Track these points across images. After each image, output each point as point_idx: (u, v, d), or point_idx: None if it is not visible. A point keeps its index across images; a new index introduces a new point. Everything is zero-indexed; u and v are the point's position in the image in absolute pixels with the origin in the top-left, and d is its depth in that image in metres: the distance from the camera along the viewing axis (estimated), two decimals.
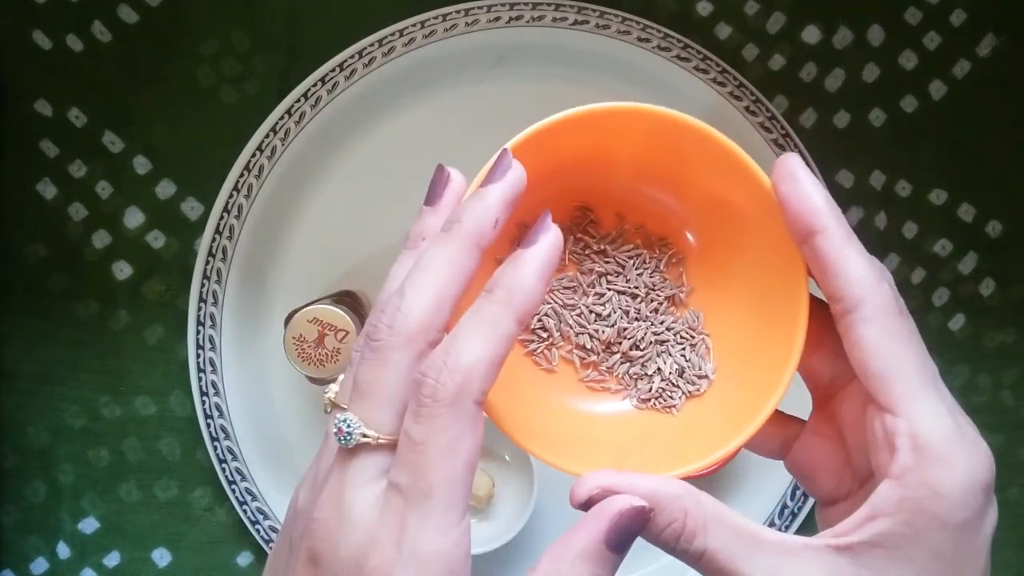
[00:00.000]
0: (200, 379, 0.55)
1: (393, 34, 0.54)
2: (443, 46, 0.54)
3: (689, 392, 0.35)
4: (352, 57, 0.54)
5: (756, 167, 0.32)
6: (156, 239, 0.57)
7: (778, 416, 0.35)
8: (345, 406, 0.29)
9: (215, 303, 0.55)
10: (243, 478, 0.56)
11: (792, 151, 0.54)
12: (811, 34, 0.56)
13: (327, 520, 0.28)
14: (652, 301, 0.36)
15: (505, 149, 0.31)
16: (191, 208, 0.57)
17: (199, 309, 0.55)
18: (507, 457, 0.57)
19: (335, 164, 0.56)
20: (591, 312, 0.36)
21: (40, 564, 0.57)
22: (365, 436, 0.28)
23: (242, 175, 0.55)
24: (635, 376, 0.36)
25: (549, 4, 0.54)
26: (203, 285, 0.55)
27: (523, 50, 0.55)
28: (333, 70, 0.54)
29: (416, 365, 0.28)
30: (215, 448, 0.56)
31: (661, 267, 0.36)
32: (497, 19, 0.54)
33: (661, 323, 0.36)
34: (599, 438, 0.35)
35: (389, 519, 0.27)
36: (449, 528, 0.27)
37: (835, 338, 0.31)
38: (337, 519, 0.28)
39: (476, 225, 0.30)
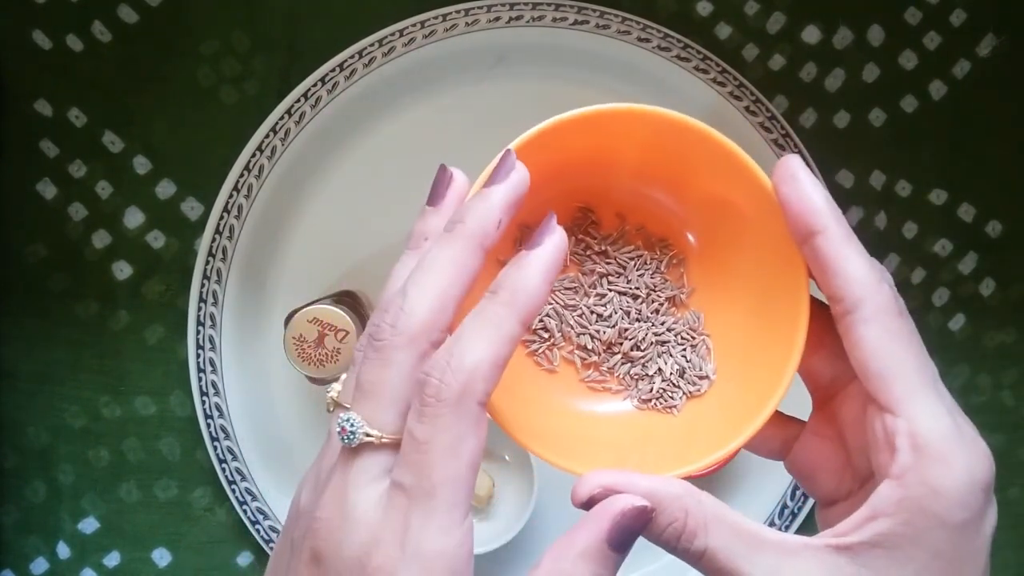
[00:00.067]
0: (200, 379, 0.56)
1: (393, 34, 0.54)
2: (443, 46, 0.54)
3: (690, 392, 0.35)
4: (352, 57, 0.54)
5: (757, 168, 0.32)
6: (156, 239, 0.57)
7: (778, 417, 0.35)
8: (348, 405, 0.29)
9: (215, 303, 0.55)
10: (243, 478, 0.56)
11: (792, 151, 0.54)
12: (811, 34, 0.56)
13: (330, 519, 0.28)
14: (653, 302, 0.36)
15: (509, 150, 0.31)
16: (191, 208, 0.57)
17: (199, 309, 0.55)
18: (507, 457, 0.57)
19: (335, 164, 0.56)
20: (592, 313, 0.36)
21: (40, 564, 0.57)
22: (368, 435, 0.28)
23: (242, 175, 0.55)
24: (636, 376, 0.36)
25: (549, 4, 0.54)
26: (203, 285, 0.55)
27: (523, 50, 0.55)
28: (333, 70, 0.54)
29: (419, 365, 0.28)
30: (215, 448, 0.56)
31: (662, 268, 0.36)
32: (497, 19, 0.54)
33: (662, 324, 0.36)
34: (600, 438, 0.35)
35: (392, 518, 0.27)
36: (452, 527, 0.27)
37: (835, 339, 0.31)
38: (340, 518, 0.28)
39: (480, 225, 0.30)
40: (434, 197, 0.32)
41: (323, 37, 0.55)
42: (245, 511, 0.56)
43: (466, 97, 0.55)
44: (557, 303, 0.36)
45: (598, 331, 0.36)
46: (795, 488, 0.56)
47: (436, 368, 0.28)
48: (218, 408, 0.56)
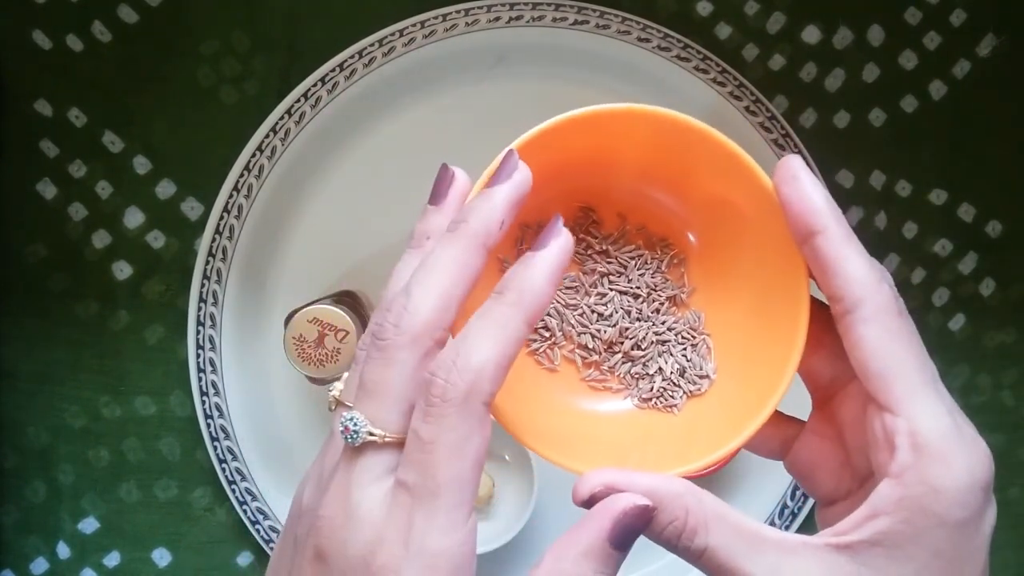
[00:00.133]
0: (200, 379, 0.56)
1: (393, 34, 0.54)
2: (443, 46, 0.54)
3: (690, 392, 0.35)
4: (352, 57, 0.54)
5: (757, 168, 0.32)
6: (156, 239, 0.57)
7: (778, 417, 0.35)
8: (351, 404, 0.29)
9: (215, 303, 0.55)
10: (243, 478, 0.56)
11: (792, 151, 0.54)
12: (811, 34, 0.56)
13: (334, 518, 0.28)
14: (654, 301, 0.36)
15: (511, 150, 0.31)
16: (191, 208, 0.57)
17: (199, 309, 0.55)
18: (507, 457, 0.57)
19: (335, 164, 0.56)
20: (593, 312, 0.36)
21: (40, 564, 0.57)
22: (371, 435, 0.28)
23: (242, 175, 0.55)
24: (636, 376, 0.36)
25: (549, 4, 0.54)
26: (203, 285, 0.55)
27: (523, 50, 0.55)
28: (333, 70, 0.54)
29: (422, 364, 0.28)
30: (215, 448, 0.56)
31: (663, 268, 0.36)
32: (497, 19, 0.54)
33: (662, 323, 0.36)
34: (601, 437, 0.35)
35: (396, 517, 0.27)
36: (456, 527, 0.27)
37: (835, 338, 0.31)
38: (344, 517, 0.28)
39: (483, 225, 0.30)
40: (436, 196, 0.32)
41: (323, 37, 0.55)
42: (245, 511, 0.56)
43: (466, 97, 0.55)
44: (558, 302, 0.36)
45: (599, 330, 0.36)
46: (795, 488, 0.56)
47: (442, 368, 0.28)
48: (218, 408, 0.56)
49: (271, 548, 0.57)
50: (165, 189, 0.56)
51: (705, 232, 0.36)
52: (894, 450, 0.29)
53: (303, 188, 0.56)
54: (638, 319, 0.36)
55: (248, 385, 0.56)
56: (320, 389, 0.55)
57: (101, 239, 0.57)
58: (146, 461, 0.57)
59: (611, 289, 0.36)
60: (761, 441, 0.34)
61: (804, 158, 0.52)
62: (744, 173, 0.32)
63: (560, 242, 0.30)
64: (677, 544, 0.29)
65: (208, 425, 0.56)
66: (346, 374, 0.31)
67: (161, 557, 0.58)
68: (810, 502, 0.56)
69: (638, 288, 0.36)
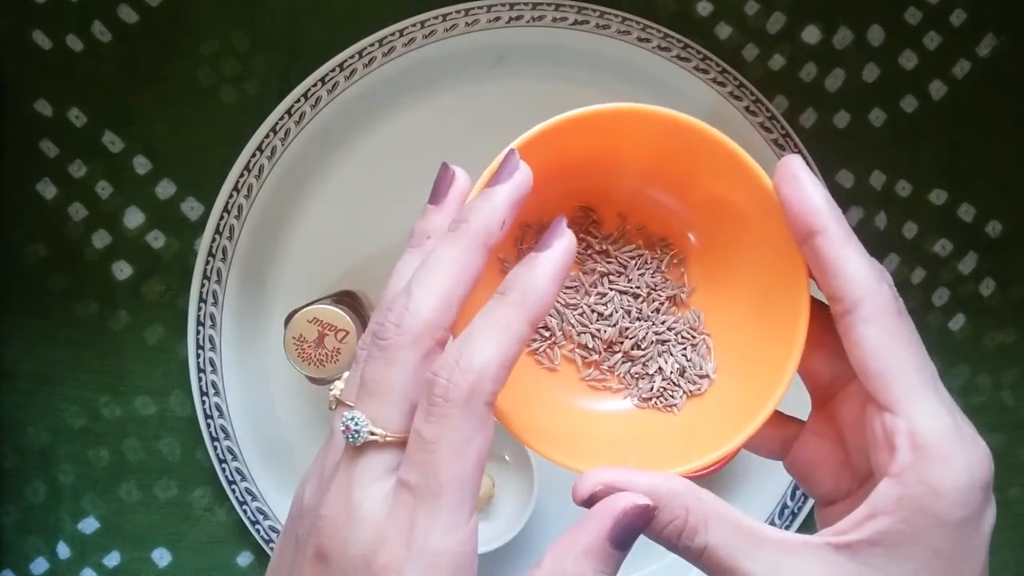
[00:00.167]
0: (200, 379, 0.56)
1: (393, 34, 0.54)
2: (443, 46, 0.54)
3: (690, 391, 0.35)
4: (352, 57, 0.54)
5: (757, 168, 0.32)
6: (156, 239, 0.57)
7: (778, 416, 0.35)
8: (352, 404, 0.29)
9: (215, 303, 0.55)
10: (243, 478, 0.56)
11: (792, 151, 0.54)
12: (811, 34, 0.56)
13: (335, 517, 0.28)
14: (653, 301, 0.36)
15: (512, 150, 0.31)
16: (191, 208, 0.57)
17: (199, 309, 0.55)
18: (507, 457, 0.57)
19: (335, 164, 0.56)
20: (593, 312, 0.36)
21: (40, 564, 0.57)
22: (373, 434, 0.28)
23: (242, 175, 0.55)
24: (636, 375, 0.36)
25: (549, 4, 0.54)
26: (203, 285, 0.55)
27: (523, 50, 0.55)
28: (333, 70, 0.54)
29: (423, 364, 0.28)
30: (215, 448, 0.56)
31: (662, 267, 0.36)
32: (497, 19, 0.54)
33: (662, 323, 0.36)
34: (601, 436, 0.35)
35: (398, 516, 0.27)
36: (458, 527, 0.27)
37: (835, 338, 0.31)
38: (345, 516, 0.28)
39: (484, 225, 0.30)
40: (436, 195, 0.32)
41: (323, 37, 0.55)
42: (245, 511, 0.56)
43: (466, 97, 0.55)
44: (558, 302, 0.36)
45: (599, 330, 0.36)
46: (795, 488, 0.56)
47: (445, 368, 0.28)
48: (218, 408, 0.56)
49: (271, 548, 0.57)
50: (165, 189, 0.57)
51: (705, 232, 0.36)
52: (894, 450, 0.29)
53: (303, 188, 0.56)
54: (638, 319, 0.36)
55: (248, 385, 0.56)
56: (320, 389, 0.55)
57: (101, 239, 0.57)
58: (146, 461, 0.57)
59: (611, 289, 0.36)
60: (761, 441, 0.34)
61: (804, 158, 0.52)
62: (744, 173, 0.32)
63: (564, 243, 0.30)
64: (677, 543, 0.29)
65: (208, 425, 0.56)
66: (346, 374, 0.31)
67: (161, 557, 0.58)
68: (810, 502, 0.56)
69: (638, 288, 0.36)
